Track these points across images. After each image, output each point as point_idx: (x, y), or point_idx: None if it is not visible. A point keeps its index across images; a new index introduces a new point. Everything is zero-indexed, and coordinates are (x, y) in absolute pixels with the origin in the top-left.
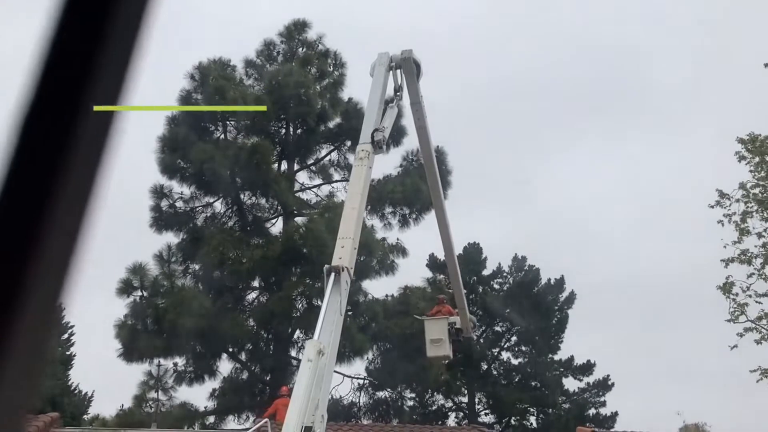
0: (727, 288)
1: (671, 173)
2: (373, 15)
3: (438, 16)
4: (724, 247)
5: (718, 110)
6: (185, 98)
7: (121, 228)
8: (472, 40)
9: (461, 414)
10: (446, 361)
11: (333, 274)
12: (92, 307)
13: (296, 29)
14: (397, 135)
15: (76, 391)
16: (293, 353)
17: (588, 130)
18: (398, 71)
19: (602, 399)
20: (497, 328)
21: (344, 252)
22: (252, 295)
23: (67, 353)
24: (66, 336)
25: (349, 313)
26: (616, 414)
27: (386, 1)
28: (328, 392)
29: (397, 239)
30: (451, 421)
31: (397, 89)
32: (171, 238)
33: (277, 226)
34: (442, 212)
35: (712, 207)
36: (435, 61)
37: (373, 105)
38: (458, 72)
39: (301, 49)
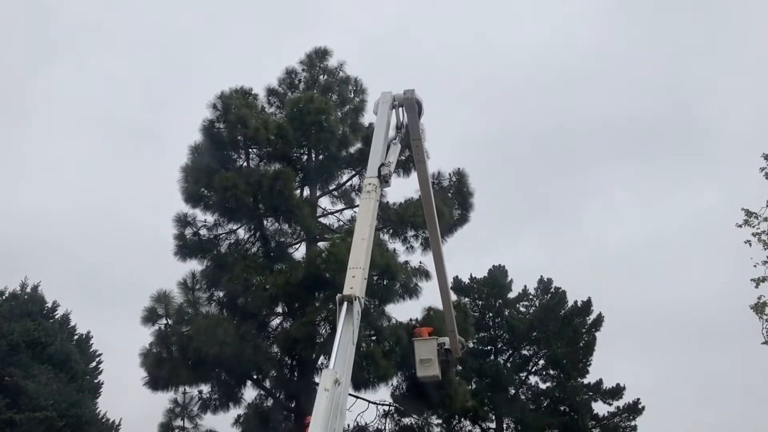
0: (759, 308)
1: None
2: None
3: (503, 50)
4: (755, 266)
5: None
6: (208, 128)
7: (149, 257)
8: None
9: None
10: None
11: (346, 303)
12: (120, 335)
13: (317, 57)
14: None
15: (104, 419)
16: (317, 379)
17: (626, 171)
18: (401, 109)
19: (633, 423)
20: (524, 352)
21: (355, 282)
22: (275, 321)
23: (95, 381)
24: (94, 364)
25: (373, 338)
26: None
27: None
28: (343, 423)
29: (420, 262)
30: None
31: (399, 126)
32: (195, 265)
33: (299, 252)
34: (437, 236)
35: (740, 226)
36: (494, 97)
37: (379, 141)
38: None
39: (322, 76)
